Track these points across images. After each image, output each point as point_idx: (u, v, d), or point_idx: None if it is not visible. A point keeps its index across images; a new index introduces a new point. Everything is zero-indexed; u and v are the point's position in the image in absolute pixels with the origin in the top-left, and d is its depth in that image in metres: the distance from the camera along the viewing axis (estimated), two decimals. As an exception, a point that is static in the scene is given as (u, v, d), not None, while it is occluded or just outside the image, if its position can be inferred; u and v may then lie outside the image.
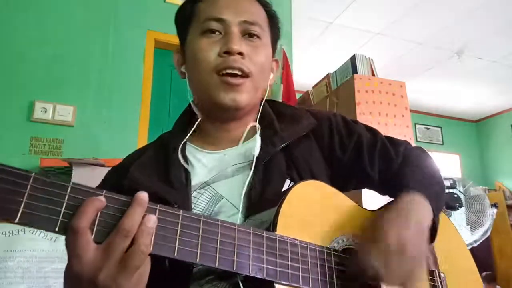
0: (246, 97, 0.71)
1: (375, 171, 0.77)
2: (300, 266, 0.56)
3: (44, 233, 1.52)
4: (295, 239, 0.57)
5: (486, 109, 6.47)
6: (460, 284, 0.78)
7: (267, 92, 0.80)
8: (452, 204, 2.46)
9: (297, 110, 0.82)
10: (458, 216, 2.44)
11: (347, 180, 0.78)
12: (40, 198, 0.42)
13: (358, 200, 0.70)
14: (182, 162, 0.70)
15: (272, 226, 0.57)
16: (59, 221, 0.43)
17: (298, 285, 0.54)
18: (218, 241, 0.51)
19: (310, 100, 3.06)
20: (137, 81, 2.70)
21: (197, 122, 0.76)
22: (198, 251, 0.49)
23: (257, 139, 0.72)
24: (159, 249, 0.47)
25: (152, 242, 0.46)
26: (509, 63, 4.93)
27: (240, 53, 0.70)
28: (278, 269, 0.54)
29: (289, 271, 0.54)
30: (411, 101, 2.83)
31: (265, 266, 0.53)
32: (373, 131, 0.82)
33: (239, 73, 0.69)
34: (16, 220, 0.41)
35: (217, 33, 0.72)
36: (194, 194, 0.68)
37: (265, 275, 0.52)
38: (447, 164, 6.26)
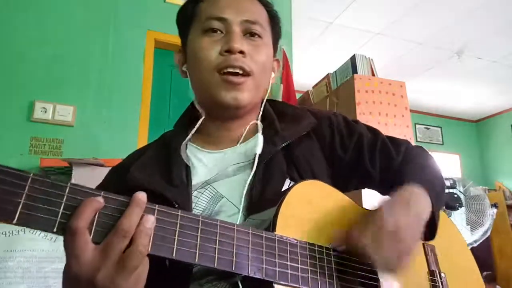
0: (248, 95, 0.71)
1: (376, 170, 0.77)
2: (299, 266, 0.56)
3: (44, 233, 1.52)
4: (295, 239, 0.57)
5: (486, 109, 6.46)
6: (461, 284, 0.77)
7: (268, 91, 0.80)
8: (452, 204, 2.46)
9: (297, 110, 0.82)
10: (458, 216, 2.44)
11: (348, 180, 0.78)
12: (38, 198, 0.42)
13: (358, 200, 0.70)
14: (186, 160, 0.71)
15: (272, 226, 0.57)
16: (57, 221, 0.43)
17: (297, 285, 0.54)
18: (217, 241, 0.51)
19: (310, 100, 3.06)
20: (137, 81, 2.70)
21: (200, 120, 0.76)
22: (197, 251, 0.49)
23: (259, 137, 0.72)
24: (157, 250, 0.46)
25: (151, 242, 0.46)
26: (509, 63, 4.93)
27: (241, 52, 0.70)
28: (277, 269, 0.53)
29: (288, 271, 0.54)
30: (411, 101, 2.83)
31: (264, 266, 0.53)
32: (374, 131, 0.83)
33: (240, 72, 0.70)
34: (14, 221, 0.41)
35: (218, 32, 0.72)
36: (194, 193, 0.68)
37: (264, 275, 0.52)
38: (447, 164, 6.26)
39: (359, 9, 3.89)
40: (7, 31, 2.48)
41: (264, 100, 0.80)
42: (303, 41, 4.47)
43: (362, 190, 0.86)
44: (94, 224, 0.45)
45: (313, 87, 3.09)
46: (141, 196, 0.47)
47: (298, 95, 3.20)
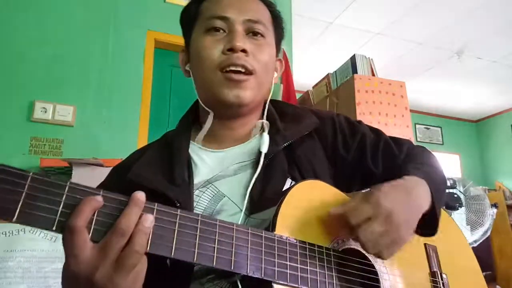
0: (250, 94, 0.71)
1: (379, 169, 0.77)
2: (298, 266, 0.56)
3: (44, 233, 1.52)
4: (294, 239, 0.57)
5: (486, 109, 6.46)
6: (463, 285, 0.77)
7: (271, 91, 0.80)
8: (452, 204, 2.46)
9: (299, 110, 0.82)
10: (458, 216, 2.44)
11: (351, 180, 0.78)
12: (38, 197, 0.43)
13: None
14: (192, 154, 0.71)
15: (271, 226, 0.57)
16: (57, 220, 0.43)
17: (296, 285, 0.54)
18: (216, 240, 0.51)
19: (310, 100, 3.06)
20: (137, 81, 2.70)
21: (210, 119, 0.75)
22: (196, 250, 0.49)
23: (265, 137, 0.72)
24: (156, 248, 0.47)
25: (149, 241, 0.46)
26: (509, 63, 4.93)
27: (244, 51, 0.70)
28: (276, 268, 0.53)
29: (288, 271, 0.54)
30: (411, 101, 2.83)
31: (263, 265, 0.53)
32: (376, 132, 0.83)
33: (242, 70, 0.70)
34: (14, 219, 0.41)
35: (221, 31, 0.72)
36: (196, 192, 0.68)
37: (263, 275, 0.52)
38: (447, 164, 6.26)
39: (359, 9, 3.89)
40: (7, 31, 2.48)
41: (268, 100, 0.81)
42: (303, 41, 4.47)
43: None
44: (93, 223, 0.45)
45: (313, 87, 3.09)
46: (140, 195, 0.47)
47: (298, 95, 3.20)
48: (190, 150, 0.74)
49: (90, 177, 1.85)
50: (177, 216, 0.49)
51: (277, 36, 0.81)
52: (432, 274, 0.72)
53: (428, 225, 0.67)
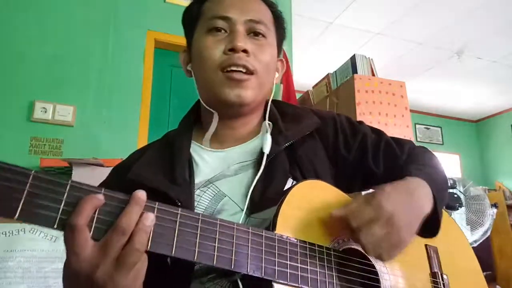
0: (251, 93, 0.71)
1: (380, 169, 0.77)
2: (299, 265, 0.56)
3: (44, 233, 1.52)
4: (295, 239, 0.57)
5: (486, 109, 6.47)
6: (463, 286, 0.77)
7: (273, 92, 0.80)
8: (452, 204, 2.46)
9: (299, 110, 0.83)
10: (458, 216, 2.44)
11: (352, 180, 0.78)
12: (39, 195, 0.43)
13: (358, 200, 0.70)
14: (193, 154, 0.71)
15: (272, 226, 0.57)
16: (58, 218, 0.44)
17: (296, 285, 0.54)
18: (217, 239, 0.51)
19: (310, 100, 3.06)
20: (137, 81, 2.69)
21: (215, 120, 0.75)
22: (196, 249, 0.49)
23: (268, 138, 0.72)
24: (156, 247, 0.47)
25: (150, 240, 0.46)
26: (509, 63, 4.93)
27: (245, 51, 0.70)
28: (276, 268, 0.54)
29: (288, 270, 0.54)
30: (411, 101, 2.83)
31: (263, 265, 0.53)
32: (378, 132, 0.83)
33: (243, 70, 0.70)
34: (16, 217, 0.41)
35: (222, 31, 0.72)
36: (197, 192, 0.68)
37: (263, 274, 0.52)
38: (447, 164, 6.25)
39: (359, 9, 3.89)
40: (7, 31, 2.48)
41: (270, 101, 0.81)
42: (303, 41, 4.47)
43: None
44: (94, 221, 0.45)
45: (313, 87, 3.09)
46: (141, 194, 0.47)
47: (298, 95, 3.20)
48: (191, 150, 0.74)
49: (90, 177, 1.85)
50: (177, 215, 0.50)
51: (279, 37, 0.81)
52: (433, 274, 0.72)
53: (429, 227, 0.67)
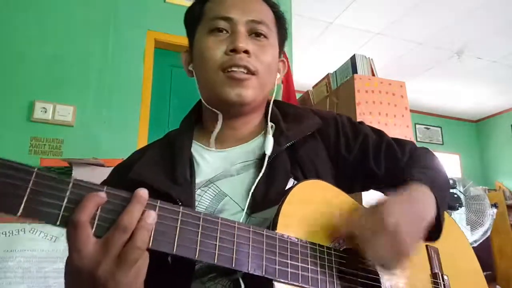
0: (252, 93, 0.71)
1: (381, 170, 0.78)
2: (299, 264, 0.56)
3: (44, 233, 1.52)
4: (296, 238, 0.57)
5: (486, 109, 6.47)
6: (464, 287, 0.77)
7: (274, 92, 0.80)
8: (452, 204, 2.45)
9: (300, 110, 0.83)
10: (458, 216, 2.44)
11: (353, 181, 0.79)
12: (43, 192, 0.43)
13: (358, 200, 0.70)
14: (194, 154, 0.71)
15: (273, 225, 0.57)
16: (61, 214, 0.44)
17: (297, 284, 0.54)
18: (218, 238, 0.51)
19: (310, 100, 3.07)
20: (137, 81, 2.70)
21: (220, 121, 0.75)
22: (197, 247, 0.49)
23: (269, 138, 0.72)
24: (158, 245, 0.47)
25: (151, 237, 0.47)
26: (509, 63, 4.93)
27: (246, 52, 0.70)
28: (277, 267, 0.54)
29: (289, 269, 0.54)
30: (411, 101, 2.84)
31: (264, 263, 0.53)
32: (379, 133, 0.83)
33: (245, 71, 0.70)
34: (19, 213, 0.42)
35: (224, 32, 0.72)
36: (198, 191, 0.68)
37: (264, 273, 0.52)
38: (447, 164, 6.26)
39: (359, 9, 3.89)
40: (7, 31, 2.48)
41: (272, 101, 0.81)
42: (303, 41, 4.47)
43: (362, 190, 0.86)
44: (96, 219, 0.45)
45: (313, 87, 3.09)
46: (143, 192, 0.47)
47: (298, 95, 3.20)
48: (192, 150, 0.74)
49: (90, 177, 1.83)
50: (179, 213, 0.50)
51: (280, 37, 0.81)
52: (434, 275, 0.72)
53: (432, 231, 0.67)
